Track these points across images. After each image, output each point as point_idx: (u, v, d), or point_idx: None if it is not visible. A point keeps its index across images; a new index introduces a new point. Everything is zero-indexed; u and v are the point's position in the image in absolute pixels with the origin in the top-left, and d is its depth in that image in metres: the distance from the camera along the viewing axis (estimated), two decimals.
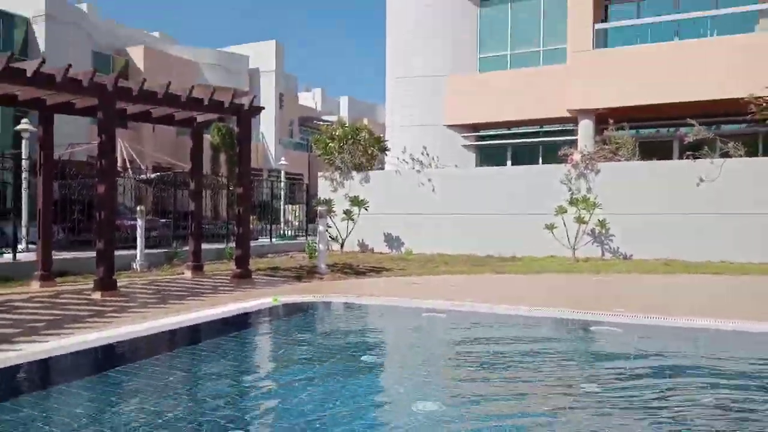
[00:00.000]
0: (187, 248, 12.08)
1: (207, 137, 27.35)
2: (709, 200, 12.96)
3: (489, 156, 20.59)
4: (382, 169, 18.44)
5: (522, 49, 19.90)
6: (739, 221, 12.68)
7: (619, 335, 6.45)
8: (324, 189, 17.14)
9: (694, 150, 13.35)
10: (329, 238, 15.51)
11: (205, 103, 9.91)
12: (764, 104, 13.03)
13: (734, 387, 4.65)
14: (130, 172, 18.58)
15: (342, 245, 16.08)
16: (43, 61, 7.84)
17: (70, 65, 8.14)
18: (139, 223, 12.27)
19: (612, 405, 4.18)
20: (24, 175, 11.83)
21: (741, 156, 13.06)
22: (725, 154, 13.22)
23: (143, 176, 18.69)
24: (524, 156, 20.14)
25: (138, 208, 12.60)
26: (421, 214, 15.86)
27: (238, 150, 11.01)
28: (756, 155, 15.77)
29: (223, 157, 28.68)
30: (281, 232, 20.20)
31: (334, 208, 15.69)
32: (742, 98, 13.34)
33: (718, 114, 16.86)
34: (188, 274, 11.13)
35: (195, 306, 7.75)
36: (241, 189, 10.88)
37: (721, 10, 17.15)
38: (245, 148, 10.88)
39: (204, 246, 12.26)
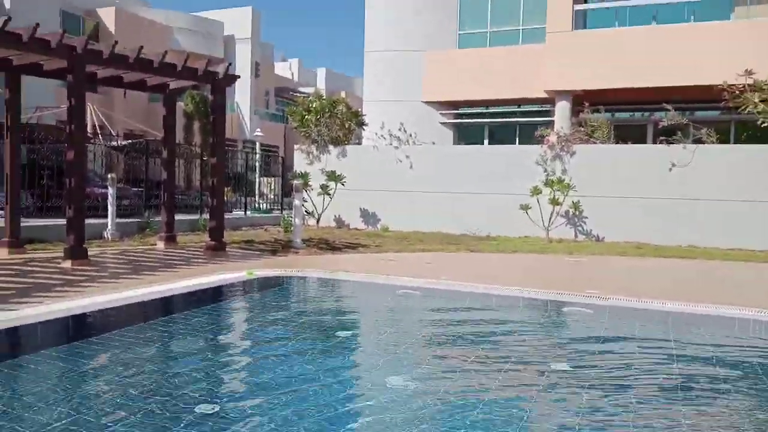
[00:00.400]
0: (159, 218, 11.89)
1: (180, 105, 26.82)
2: (680, 185, 13.20)
3: (466, 134, 20.62)
4: (360, 144, 18.34)
5: (502, 27, 19.82)
6: (707, 207, 12.95)
7: (590, 315, 6.57)
8: (300, 162, 16.97)
9: (668, 135, 13.53)
10: (305, 213, 15.41)
11: (179, 69, 9.65)
12: (737, 92, 13.20)
13: (698, 365, 4.78)
14: (100, 138, 18.12)
15: (318, 220, 16.01)
16: (9, 19, 7.53)
17: (37, 24, 7.83)
18: (111, 191, 12.01)
19: (580, 383, 4.26)
20: None
21: (713, 142, 13.28)
22: (698, 140, 13.42)
23: (114, 143, 18.26)
24: (502, 135, 20.23)
25: (109, 176, 12.33)
26: (398, 190, 15.84)
27: (212, 119, 10.79)
28: (728, 142, 16.10)
29: (196, 126, 28.19)
30: (256, 205, 20.02)
31: (310, 182, 15.56)
32: (716, 85, 13.51)
33: (693, 100, 17.09)
34: (161, 245, 10.97)
35: (167, 277, 7.65)
36: (214, 159, 10.70)
37: None
38: (219, 117, 10.67)
39: (177, 217, 12.07)
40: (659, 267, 10.06)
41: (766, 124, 12.95)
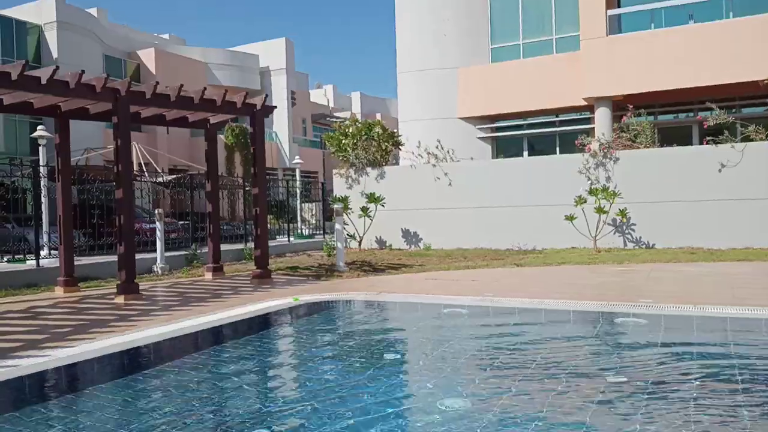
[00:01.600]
0: (206, 250, 12.13)
1: (221, 138, 27.51)
2: (731, 186, 12.73)
3: (505, 147, 20.44)
4: (397, 164, 18.38)
5: (534, 38, 19.69)
6: (761, 207, 12.43)
7: (644, 325, 6.34)
8: (339, 186, 17.11)
9: (714, 135, 13.11)
10: (347, 236, 15.49)
11: (218, 104, 9.92)
12: None
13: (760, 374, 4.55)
14: (146, 174, 18.69)
15: (360, 242, 16.06)
16: (57, 68, 7.88)
17: (83, 71, 8.18)
18: (158, 225, 12.33)
19: (637, 394, 4.10)
20: (42, 181, 11.95)
21: (762, 140, 12.80)
22: (746, 138, 12.96)
23: (160, 179, 18.80)
24: (541, 146, 19.98)
25: (156, 211, 12.67)
26: (439, 208, 15.77)
27: (253, 150, 11.00)
28: None
29: (238, 158, 28.81)
30: (299, 231, 20.22)
31: (350, 206, 15.66)
32: (761, 80, 13.07)
33: (738, 97, 16.56)
34: (208, 275, 11.17)
35: (216, 307, 7.76)
36: (256, 189, 10.88)
37: None
38: (259, 147, 10.87)
39: (223, 247, 12.30)
40: (713, 272, 9.68)
41: None
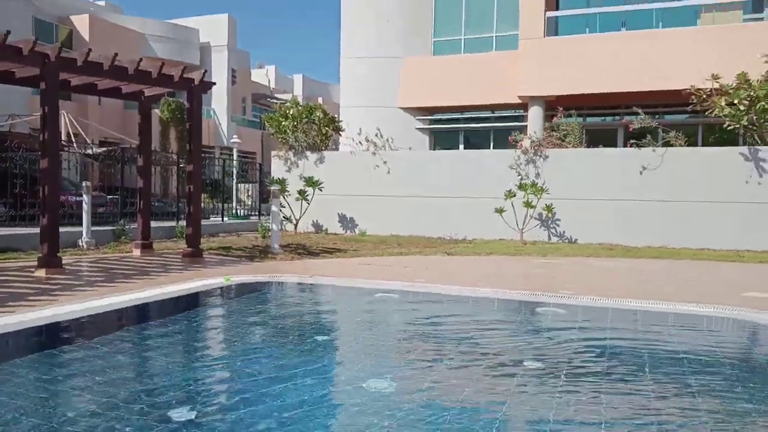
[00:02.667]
0: (135, 226, 11.82)
1: (156, 112, 26.64)
2: (650, 187, 13.50)
3: (442, 139, 20.82)
4: (337, 149, 18.40)
5: (476, 34, 20.08)
6: (677, 208, 13.27)
7: (564, 315, 6.72)
8: (278, 168, 16.99)
9: (638, 138, 13.85)
10: (283, 219, 15.43)
11: (154, 76, 9.65)
12: (704, 96, 13.60)
13: (667, 363, 4.95)
14: (74, 146, 17.92)
15: (296, 226, 16.03)
16: None
17: (8, 32, 7.78)
18: (85, 199, 11.91)
19: (554, 380, 4.39)
20: None
21: (681, 145, 13.63)
22: (667, 143, 13.76)
23: (89, 151, 18.08)
24: (476, 140, 20.48)
25: (84, 184, 12.22)
26: (376, 195, 15.94)
27: (188, 126, 10.79)
28: (695, 145, 16.50)
29: (173, 133, 27.98)
30: (233, 211, 19.96)
31: (287, 188, 15.59)
32: (684, 89, 13.88)
33: (662, 104, 17.49)
34: (137, 252, 10.91)
35: (143, 285, 7.64)
36: (191, 166, 10.69)
37: (666, 3, 17.76)
38: (196, 124, 10.67)
39: (153, 224, 12.01)
40: (628, 268, 10.30)
41: (731, 127, 13.35)
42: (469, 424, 3.53)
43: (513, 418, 3.72)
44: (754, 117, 12.98)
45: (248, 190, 22.04)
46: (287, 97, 33.65)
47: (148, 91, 10.82)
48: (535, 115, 18.02)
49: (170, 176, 19.06)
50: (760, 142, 13.17)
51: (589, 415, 3.67)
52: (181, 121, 26.53)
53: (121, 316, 6.36)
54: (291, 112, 17.09)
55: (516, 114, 19.60)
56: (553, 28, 18.56)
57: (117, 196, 15.31)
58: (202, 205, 14.15)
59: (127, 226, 13.32)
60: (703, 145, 16.90)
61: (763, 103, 12.64)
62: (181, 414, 3.52)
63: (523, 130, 17.49)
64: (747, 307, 6.52)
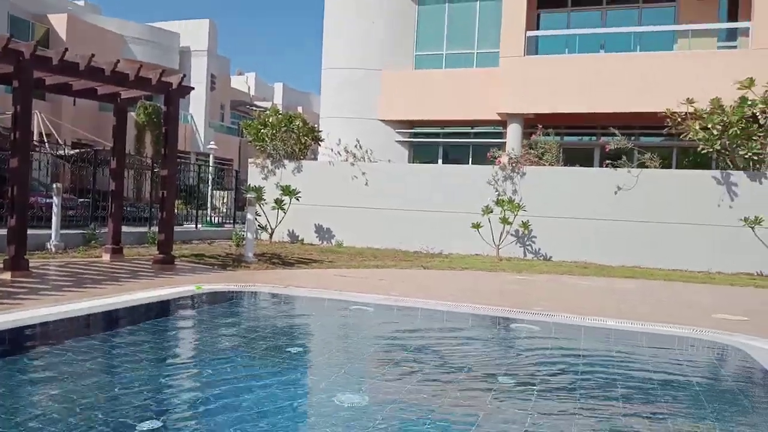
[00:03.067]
0: (106, 230, 11.57)
1: (132, 115, 26.28)
2: (624, 207, 13.68)
3: (421, 153, 20.86)
4: (315, 159, 18.32)
5: (457, 50, 20.22)
6: (650, 229, 13.45)
7: (537, 332, 6.72)
8: (254, 176, 16.83)
9: (614, 159, 14.04)
10: (258, 227, 15.27)
11: (131, 78, 9.50)
12: (679, 119, 13.86)
13: (637, 379, 4.96)
14: (46, 146, 17.55)
15: (271, 235, 15.86)
16: None
17: None
18: (55, 201, 11.64)
19: (528, 395, 4.36)
20: None
21: (656, 167, 13.85)
22: (642, 165, 13.97)
23: (61, 152, 17.71)
24: (455, 155, 20.56)
25: (54, 186, 11.95)
26: (353, 207, 15.87)
27: (164, 130, 10.61)
28: (670, 167, 16.79)
29: (148, 137, 27.66)
30: (208, 218, 19.70)
31: (264, 197, 15.43)
32: (660, 112, 14.14)
33: (638, 126, 17.78)
34: (107, 257, 10.67)
35: (112, 291, 7.45)
36: (166, 171, 10.52)
37: (643, 28, 18.13)
38: (172, 128, 10.51)
39: (125, 229, 11.79)
40: (602, 287, 10.37)
41: (705, 151, 13.61)
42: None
43: (486, 429, 3.67)
44: (727, 142, 13.26)
45: (224, 198, 21.80)
46: (267, 105, 33.51)
47: (125, 94, 10.64)
48: (513, 132, 18.17)
49: (144, 180, 18.78)
50: (732, 166, 13.46)
51: (558, 424, 3.64)
52: (157, 125, 26.24)
53: (88, 322, 6.18)
54: (270, 120, 16.98)
55: (495, 130, 19.75)
56: (533, 47, 18.79)
57: (88, 199, 15.00)
58: (176, 211, 13.94)
59: (97, 230, 13.04)
60: (677, 168, 17.19)
61: (735, 128, 12.93)
62: (143, 424, 3.40)
63: (501, 146, 17.62)
64: (717, 329, 6.59)
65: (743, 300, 9.45)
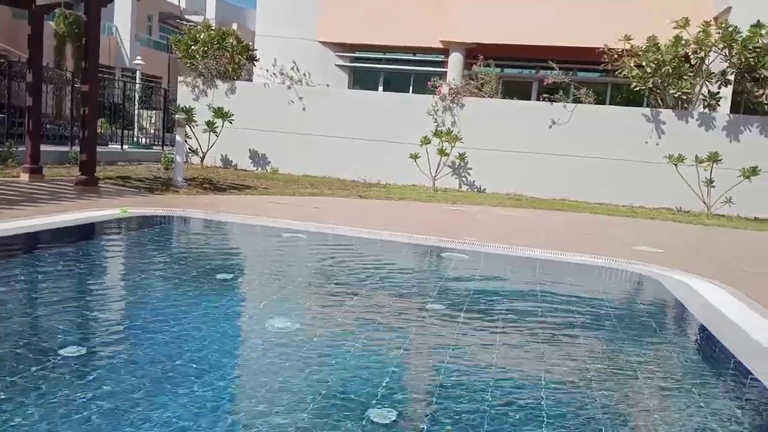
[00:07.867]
0: (23, 149, 10.85)
1: (50, 24, 24.29)
2: (557, 141, 13.96)
3: (362, 79, 20.40)
4: (250, 80, 17.62)
5: None
6: (580, 163, 13.85)
7: (466, 261, 6.88)
8: (185, 96, 16.05)
9: (551, 93, 14.18)
10: (189, 151, 14.73)
11: None
12: (616, 56, 14.04)
13: (558, 304, 5.19)
14: None
15: (202, 159, 15.34)
16: None
17: None
18: None
19: (455, 320, 4.49)
20: None
21: (591, 102, 14.10)
22: (577, 100, 14.18)
23: None
24: (396, 83, 20.22)
25: None
26: (290, 132, 15.48)
27: (85, 42, 9.86)
28: (604, 103, 17.15)
29: (69, 50, 25.75)
30: (135, 139, 18.82)
31: (195, 118, 14.80)
32: (598, 48, 14.26)
33: (576, 61, 17.93)
34: (25, 177, 10.05)
35: (32, 213, 7.05)
36: (87, 86, 9.85)
37: None
38: (93, 39, 9.77)
39: (44, 148, 11.09)
40: (532, 218, 10.69)
41: (638, 88, 13.94)
42: (373, 359, 3.54)
43: (413, 352, 3.77)
44: (659, 80, 13.60)
45: (152, 118, 20.81)
46: (199, 19, 31.58)
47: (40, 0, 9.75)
48: (455, 62, 17.98)
49: (64, 96, 17.60)
50: (662, 104, 13.86)
51: (483, 348, 3.78)
52: (78, 37, 24.32)
53: (4, 245, 5.84)
54: (201, 37, 16.08)
55: (437, 59, 19.48)
56: None
57: (3, 114, 13.97)
58: (100, 130, 13.22)
59: (14, 148, 12.21)
60: (610, 104, 17.58)
61: (668, 67, 13.24)
62: (66, 349, 3.28)
63: (442, 76, 17.44)
64: (635, 260, 6.95)
65: (661, 233, 9.97)
